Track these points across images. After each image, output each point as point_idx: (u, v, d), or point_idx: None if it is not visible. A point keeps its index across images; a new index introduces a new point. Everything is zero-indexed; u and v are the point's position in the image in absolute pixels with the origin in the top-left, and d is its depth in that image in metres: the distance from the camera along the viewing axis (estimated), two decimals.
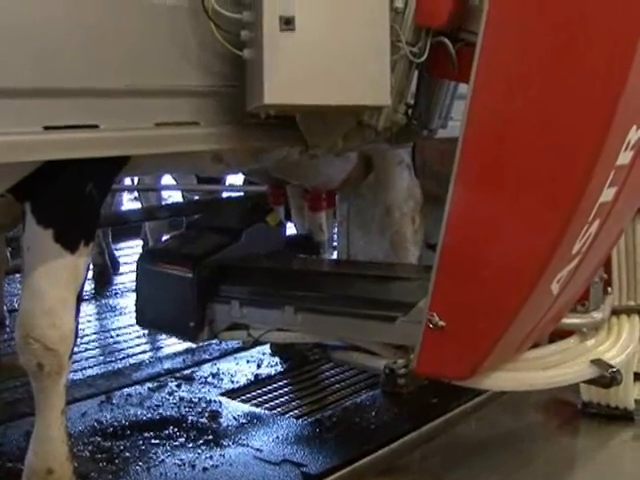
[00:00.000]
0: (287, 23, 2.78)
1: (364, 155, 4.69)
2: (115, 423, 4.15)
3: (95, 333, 5.91)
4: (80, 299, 3.06)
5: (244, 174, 6.31)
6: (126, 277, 7.51)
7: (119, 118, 2.76)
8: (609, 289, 3.78)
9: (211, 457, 3.78)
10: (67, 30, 2.61)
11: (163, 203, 7.93)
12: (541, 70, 2.65)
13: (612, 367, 3.28)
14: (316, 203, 5.09)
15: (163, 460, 3.75)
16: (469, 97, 2.73)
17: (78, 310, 3.06)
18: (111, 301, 6.91)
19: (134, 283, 4.37)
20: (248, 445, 3.90)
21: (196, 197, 7.71)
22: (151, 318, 4.25)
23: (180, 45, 2.89)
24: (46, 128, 2.58)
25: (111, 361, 5.21)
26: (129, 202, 9.87)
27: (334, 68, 2.87)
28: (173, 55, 2.88)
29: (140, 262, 4.29)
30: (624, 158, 2.77)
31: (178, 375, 4.89)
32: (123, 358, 5.28)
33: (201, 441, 3.95)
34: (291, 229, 5.41)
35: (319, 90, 2.88)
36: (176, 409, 4.36)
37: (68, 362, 3.04)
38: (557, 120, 2.65)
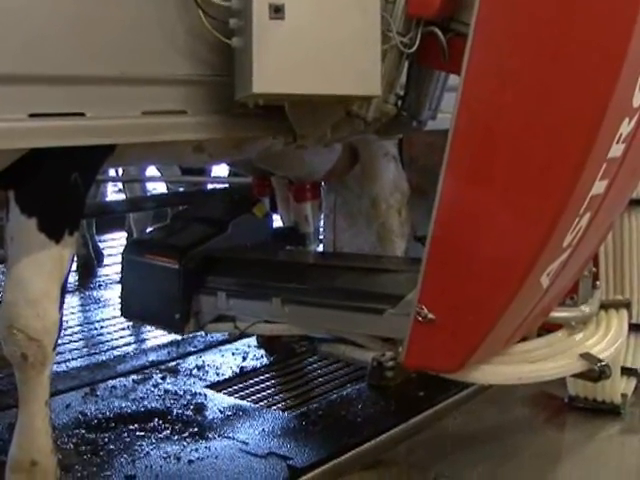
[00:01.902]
0: (277, 11, 2.75)
1: (349, 146, 4.66)
2: (99, 415, 4.12)
3: (79, 325, 5.87)
4: (65, 290, 3.02)
5: (228, 165, 6.27)
6: (110, 269, 7.48)
7: (106, 106, 2.73)
8: (597, 283, 3.76)
9: (196, 450, 3.75)
10: (53, 16, 2.58)
11: (148, 194, 7.88)
12: (533, 61, 2.62)
13: (601, 361, 3.27)
14: (300, 194, 5.05)
15: (148, 453, 3.72)
16: (460, 88, 2.70)
17: (62, 301, 3.02)
18: (95, 293, 6.87)
19: (118, 275, 4.33)
20: (234, 438, 3.88)
21: (181, 188, 7.67)
22: (136, 310, 4.21)
23: (168, 33, 2.86)
24: (31, 115, 2.55)
25: (95, 353, 5.17)
26: (113, 194, 9.82)
27: (324, 57, 2.85)
28: (161, 43, 2.85)
29: (125, 253, 4.25)
30: (616, 151, 2.75)
31: (163, 367, 4.86)
32: (107, 350, 5.24)
33: (186, 434, 3.92)
34: (277, 221, 5.37)
35: (309, 79, 2.85)
36: (161, 401, 4.33)
37: (52, 353, 3.01)
38: (549, 112, 2.62)
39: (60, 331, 3.03)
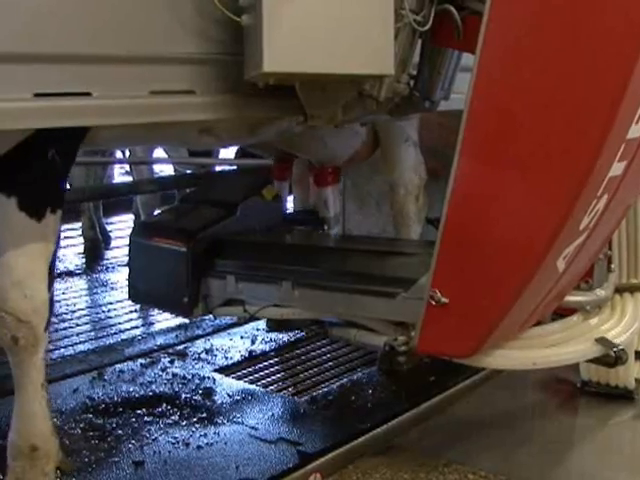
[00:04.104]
0: None
1: (373, 132, 4.61)
2: (107, 400, 4.09)
3: (86, 308, 5.83)
4: (53, 268, 2.98)
5: (243, 148, 6.21)
6: (117, 252, 7.46)
7: (112, 86, 2.67)
8: (612, 266, 3.71)
9: (205, 435, 3.71)
10: None
11: (155, 177, 7.83)
12: (550, 39, 2.57)
13: (617, 346, 3.22)
14: (322, 178, 4.97)
15: (156, 438, 3.68)
16: (475, 67, 2.65)
17: (51, 280, 2.97)
18: (102, 276, 6.85)
19: (126, 258, 4.29)
20: (243, 423, 3.83)
21: (188, 171, 7.62)
22: (144, 293, 4.17)
23: (176, 10, 2.80)
24: (36, 95, 2.49)
25: (103, 337, 5.13)
26: (120, 176, 9.79)
27: (336, 35, 2.80)
28: (169, 21, 2.79)
29: (133, 235, 4.21)
30: (635, 131, 2.69)
31: (171, 351, 4.83)
32: (115, 334, 5.20)
33: (195, 418, 3.89)
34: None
35: (320, 58, 2.80)
36: (169, 386, 4.29)
37: (44, 334, 2.95)
38: (567, 92, 2.57)
39: (51, 311, 2.97)
